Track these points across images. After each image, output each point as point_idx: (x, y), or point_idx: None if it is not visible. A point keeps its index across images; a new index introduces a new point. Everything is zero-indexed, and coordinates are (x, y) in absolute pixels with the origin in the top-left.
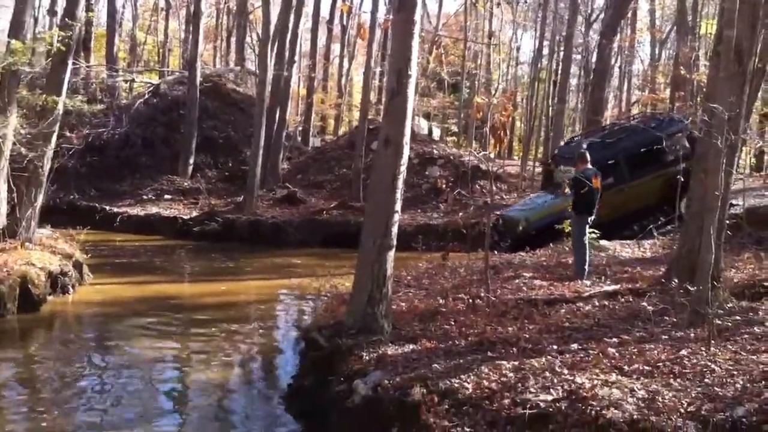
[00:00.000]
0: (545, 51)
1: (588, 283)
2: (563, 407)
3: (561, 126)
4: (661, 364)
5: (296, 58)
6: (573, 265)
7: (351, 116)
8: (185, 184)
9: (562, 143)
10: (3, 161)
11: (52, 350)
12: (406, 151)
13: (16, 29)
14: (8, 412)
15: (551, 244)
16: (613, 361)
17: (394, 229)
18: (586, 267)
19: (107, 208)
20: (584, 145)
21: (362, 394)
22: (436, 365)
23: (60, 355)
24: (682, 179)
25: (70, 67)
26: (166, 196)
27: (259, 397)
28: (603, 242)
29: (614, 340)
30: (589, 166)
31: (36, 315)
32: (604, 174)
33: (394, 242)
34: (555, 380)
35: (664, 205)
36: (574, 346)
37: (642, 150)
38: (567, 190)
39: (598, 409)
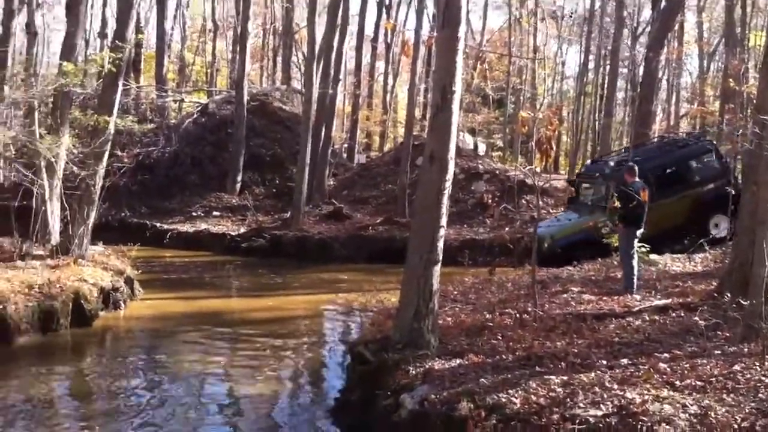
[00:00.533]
0: (591, 65)
1: (638, 297)
2: (613, 423)
3: (608, 140)
4: (713, 379)
5: (341, 75)
6: (622, 279)
7: (396, 132)
8: (233, 201)
9: (588, 162)
10: (56, 180)
11: (104, 364)
12: (452, 167)
13: (67, 51)
14: (62, 425)
15: (599, 259)
16: (664, 376)
17: (440, 244)
18: (635, 280)
19: (157, 224)
20: (611, 164)
21: (409, 409)
22: (483, 380)
23: (111, 369)
24: (712, 199)
25: (120, 87)
26: (215, 213)
27: (306, 410)
28: (653, 256)
29: (665, 355)
30: (637, 179)
31: (88, 330)
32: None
33: (440, 257)
34: (605, 395)
35: (692, 226)
36: (624, 361)
37: (670, 170)
38: (616, 203)
39: (650, 424)
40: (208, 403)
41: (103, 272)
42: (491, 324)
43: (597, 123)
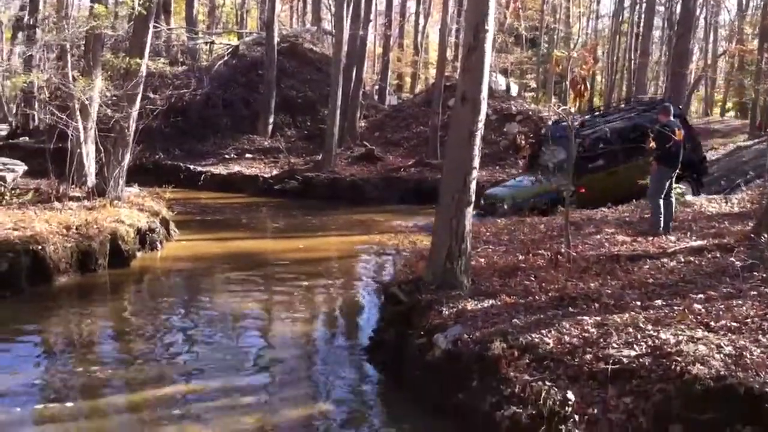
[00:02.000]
0: (627, 2)
1: (673, 238)
2: (647, 363)
3: (644, 80)
4: (749, 320)
5: (372, 16)
6: (649, 218)
7: (427, 74)
8: (265, 143)
9: (550, 122)
10: (90, 122)
11: (142, 304)
12: (484, 108)
13: None
14: (101, 364)
15: (634, 201)
16: (699, 317)
17: (473, 186)
18: (662, 219)
19: (191, 167)
20: (577, 124)
21: (442, 348)
22: (516, 320)
23: (149, 309)
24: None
25: (151, 30)
26: (247, 155)
27: (340, 349)
28: (688, 197)
29: (700, 296)
30: (672, 118)
31: (126, 270)
32: (596, 156)
33: (473, 198)
34: (638, 336)
35: None
36: (659, 302)
37: (634, 134)
38: (652, 144)
39: (684, 365)
40: (244, 343)
41: (139, 213)
42: (524, 265)
43: (632, 62)
